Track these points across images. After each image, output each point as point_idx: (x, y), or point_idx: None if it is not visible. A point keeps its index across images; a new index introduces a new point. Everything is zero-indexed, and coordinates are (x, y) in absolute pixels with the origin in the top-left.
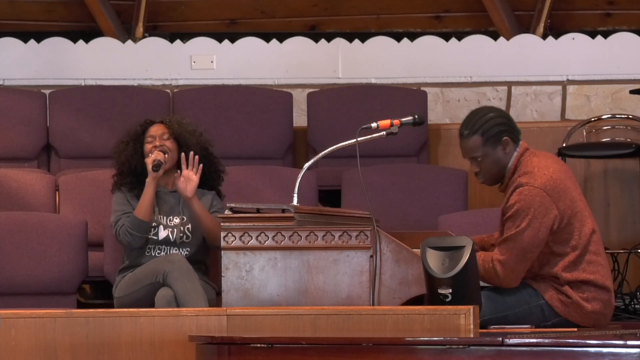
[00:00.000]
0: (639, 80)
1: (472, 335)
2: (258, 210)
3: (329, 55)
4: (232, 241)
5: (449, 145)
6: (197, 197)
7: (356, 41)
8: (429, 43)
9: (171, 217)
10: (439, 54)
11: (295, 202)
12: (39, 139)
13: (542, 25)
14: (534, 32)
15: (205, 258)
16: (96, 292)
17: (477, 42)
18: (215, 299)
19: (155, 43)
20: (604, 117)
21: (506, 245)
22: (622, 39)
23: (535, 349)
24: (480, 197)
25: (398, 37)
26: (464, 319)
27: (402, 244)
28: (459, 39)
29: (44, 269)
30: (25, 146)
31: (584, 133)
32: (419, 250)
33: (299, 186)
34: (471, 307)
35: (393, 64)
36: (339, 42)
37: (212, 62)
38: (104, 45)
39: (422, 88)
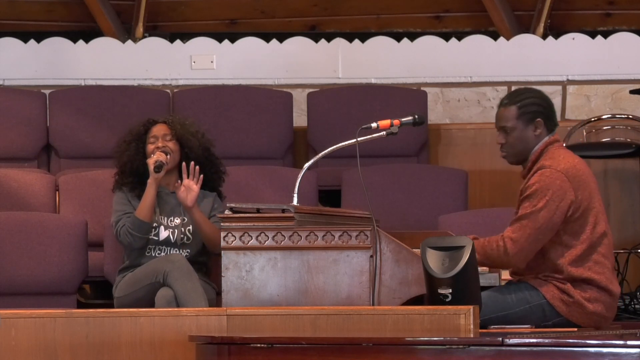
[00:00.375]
0: (639, 80)
1: (472, 335)
2: (258, 210)
3: (329, 55)
4: (232, 241)
5: (449, 145)
6: (197, 207)
7: (356, 41)
8: (429, 43)
9: (172, 218)
10: (439, 54)
11: (295, 202)
12: (39, 139)
13: (542, 25)
14: (534, 32)
15: (206, 259)
16: (96, 292)
17: (477, 42)
18: (215, 299)
19: (155, 43)
20: (604, 117)
21: (520, 224)
22: (622, 39)
23: (535, 349)
24: (480, 197)
25: (398, 37)
26: (464, 319)
27: (402, 244)
28: (459, 39)
29: (44, 269)
30: (25, 146)
31: (584, 133)
32: (419, 250)
33: (299, 186)
34: (471, 307)
35: (393, 64)
36: (339, 42)
37: (212, 62)
38: (104, 45)
39: (422, 88)
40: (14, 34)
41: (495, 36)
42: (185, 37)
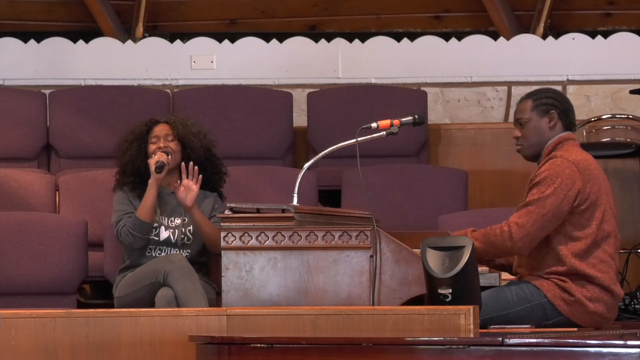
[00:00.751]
0: (639, 80)
1: (472, 335)
2: (258, 210)
3: (329, 55)
4: (232, 241)
5: (449, 145)
6: (197, 207)
7: (356, 41)
8: (429, 43)
9: (172, 218)
10: (439, 54)
11: (295, 202)
12: (39, 139)
13: (542, 25)
14: (534, 32)
15: (206, 259)
16: (96, 292)
17: (477, 42)
18: (215, 299)
19: (155, 43)
20: (604, 117)
21: (526, 209)
22: (622, 39)
23: (535, 349)
24: (480, 197)
25: (398, 37)
26: (464, 319)
27: (402, 244)
28: (459, 39)
29: (44, 269)
30: (25, 146)
31: (584, 133)
32: (419, 250)
33: (299, 186)
34: (471, 307)
35: (393, 64)
36: (339, 42)
37: (212, 62)
38: (104, 45)
39: (422, 88)
40: (14, 34)
41: (495, 36)
42: (185, 37)
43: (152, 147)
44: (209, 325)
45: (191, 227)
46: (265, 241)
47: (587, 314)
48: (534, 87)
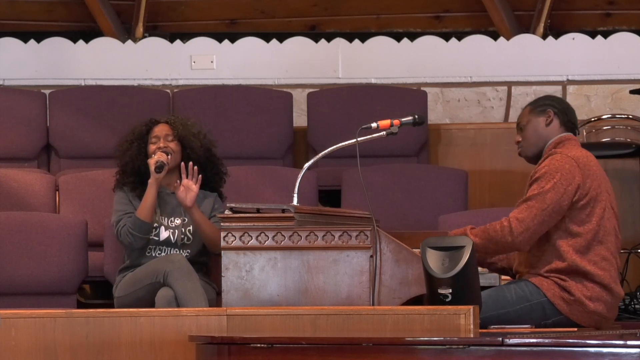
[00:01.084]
0: (639, 80)
1: (472, 335)
2: (258, 210)
3: (329, 55)
4: (232, 241)
5: (449, 145)
6: (197, 207)
7: (356, 41)
8: (429, 43)
9: (172, 218)
10: (439, 54)
11: (295, 202)
12: (39, 139)
13: (542, 25)
14: (534, 32)
15: (206, 259)
16: (96, 292)
17: (477, 42)
18: (215, 299)
19: (155, 43)
20: (604, 117)
21: (526, 205)
22: (622, 39)
23: (535, 349)
24: (480, 197)
25: (398, 37)
26: (464, 319)
27: (402, 244)
28: (459, 39)
29: (44, 269)
30: (25, 146)
31: (584, 133)
32: (419, 250)
33: (299, 186)
34: (471, 307)
35: (393, 64)
36: (339, 42)
37: (212, 62)
38: (104, 45)
39: (422, 88)
40: (14, 34)
41: (495, 36)
42: (185, 37)
43: (152, 147)
44: (209, 325)
45: (191, 227)
46: (265, 241)
47: (586, 314)
48: (534, 87)
